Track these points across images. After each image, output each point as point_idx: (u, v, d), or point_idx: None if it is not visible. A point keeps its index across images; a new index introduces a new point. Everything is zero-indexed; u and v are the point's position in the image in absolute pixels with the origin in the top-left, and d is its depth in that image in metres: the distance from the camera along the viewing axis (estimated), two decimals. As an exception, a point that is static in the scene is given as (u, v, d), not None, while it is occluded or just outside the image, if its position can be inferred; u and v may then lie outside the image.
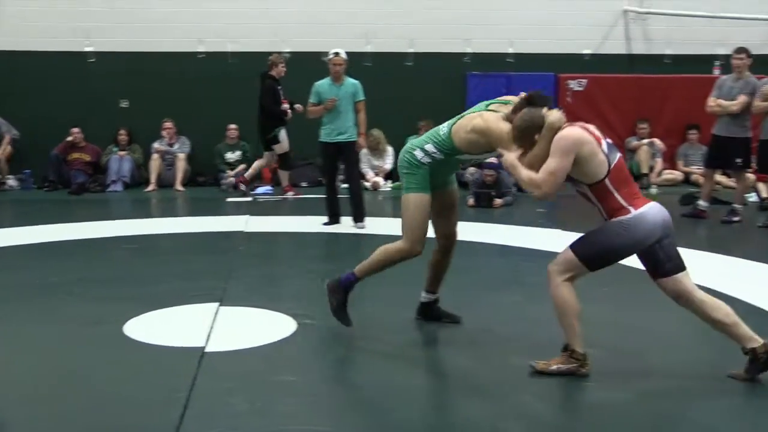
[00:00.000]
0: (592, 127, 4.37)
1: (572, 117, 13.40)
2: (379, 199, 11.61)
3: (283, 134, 11.19)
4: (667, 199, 11.04)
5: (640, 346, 4.94)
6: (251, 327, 5.37)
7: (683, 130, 13.25)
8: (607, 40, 13.68)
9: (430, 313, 5.42)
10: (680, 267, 4.40)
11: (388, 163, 12.63)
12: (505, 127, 4.57)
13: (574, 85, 13.05)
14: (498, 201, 10.54)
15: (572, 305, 4.35)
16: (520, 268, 7.15)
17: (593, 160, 4.22)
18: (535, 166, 4.32)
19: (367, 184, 12.37)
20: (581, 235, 4.44)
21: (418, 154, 4.98)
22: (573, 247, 4.37)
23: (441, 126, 5.02)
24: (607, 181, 4.23)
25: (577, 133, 4.24)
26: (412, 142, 5.12)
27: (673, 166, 13.22)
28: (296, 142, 12.99)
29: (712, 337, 4.57)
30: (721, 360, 4.57)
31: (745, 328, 4.33)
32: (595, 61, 13.24)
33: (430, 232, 5.13)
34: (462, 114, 5.00)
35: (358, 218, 8.89)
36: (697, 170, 12.54)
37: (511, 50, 13.48)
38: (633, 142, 13.01)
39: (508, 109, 4.66)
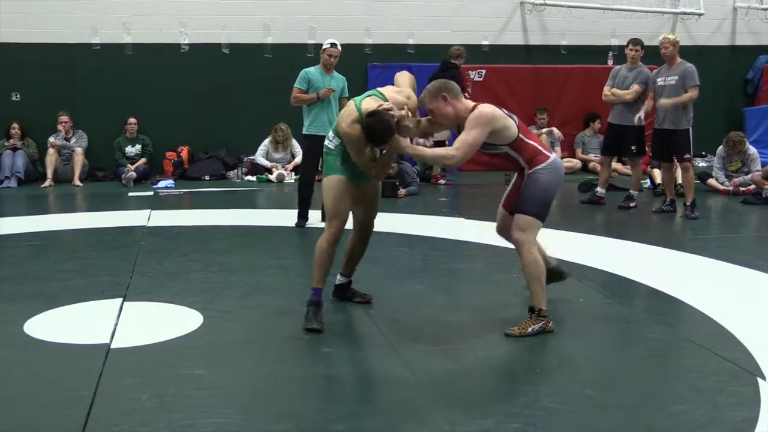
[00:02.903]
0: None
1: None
2: (284, 191, 11.55)
3: None
4: (566, 186, 11.28)
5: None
6: (157, 322, 5.30)
7: (581, 119, 13.59)
8: (504, 31, 13.91)
9: (343, 294, 5.64)
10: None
11: (296, 159, 12.55)
12: (354, 131, 4.89)
13: (474, 75, 13.22)
14: (402, 191, 10.62)
15: (542, 267, 4.95)
16: (426, 257, 7.22)
17: (507, 126, 4.87)
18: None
19: (272, 177, 12.31)
20: (519, 198, 4.97)
21: (326, 140, 5.21)
22: (522, 210, 4.93)
23: None
24: (520, 135, 4.91)
25: (490, 109, 4.86)
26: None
27: (572, 154, 13.55)
28: (197, 136, 12.90)
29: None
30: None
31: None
32: (494, 52, 13.45)
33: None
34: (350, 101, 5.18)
35: None
36: (594, 158, 12.87)
37: (411, 41, 13.59)
38: (533, 131, 13.27)
39: (377, 102, 4.92)
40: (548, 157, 4.95)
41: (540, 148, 4.98)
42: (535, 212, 4.92)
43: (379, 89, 5.19)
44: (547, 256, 5.47)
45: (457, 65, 11.56)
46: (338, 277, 5.67)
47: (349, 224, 5.38)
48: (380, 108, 4.85)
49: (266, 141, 12.71)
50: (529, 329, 4.87)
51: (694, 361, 4.62)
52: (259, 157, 12.72)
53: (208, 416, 3.79)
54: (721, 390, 4.12)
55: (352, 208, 5.33)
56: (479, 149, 4.91)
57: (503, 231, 5.34)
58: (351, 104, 5.07)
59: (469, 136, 4.78)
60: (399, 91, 5.16)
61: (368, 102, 4.98)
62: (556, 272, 5.61)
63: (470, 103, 4.96)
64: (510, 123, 4.88)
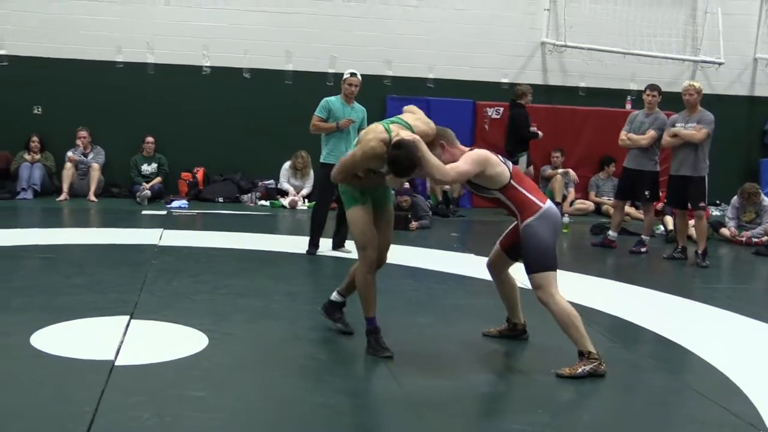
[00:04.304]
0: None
1: (489, 143, 13.61)
2: (296, 218, 11.59)
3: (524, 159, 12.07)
4: (579, 228, 11.34)
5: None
6: (162, 341, 5.31)
7: (596, 161, 13.61)
8: (524, 71, 13.99)
9: (332, 312, 5.63)
10: None
11: (307, 187, 12.64)
12: (379, 149, 4.91)
13: (492, 112, 13.30)
14: (414, 224, 10.64)
15: (574, 314, 4.98)
16: (432, 291, 7.23)
17: (499, 172, 5.01)
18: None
19: (285, 202, 12.37)
20: (523, 259, 5.06)
21: None
22: (530, 270, 5.01)
23: None
24: (512, 181, 5.03)
25: (486, 153, 5.05)
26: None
27: (585, 196, 13.56)
28: (213, 158, 12.99)
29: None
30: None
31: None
32: (513, 91, 13.50)
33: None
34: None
35: (342, 243, 8.65)
36: (607, 201, 12.87)
37: (431, 75, 13.67)
38: (548, 170, 13.33)
39: (405, 131, 4.96)
40: (540, 207, 5.02)
41: (532, 198, 5.06)
42: (543, 266, 4.99)
43: (402, 117, 5.21)
44: (518, 310, 5.64)
45: (522, 104, 12.04)
46: (335, 294, 5.66)
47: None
48: (409, 139, 4.85)
49: (286, 166, 12.78)
50: (579, 370, 4.91)
51: (697, 411, 4.59)
52: (284, 183, 12.78)
53: (207, 439, 3.80)
54: (722, 442, 4.11)
55: None
56: (473, 190, 5.17)
57: (492, 266, 5.55)
58: (378, 125, 5.07)
59: (461, 167, 4.93)
60: (418, 118, 5.18)
61: (396, 130, 4.98)
62: (521, 330, 5.70)
63: (465, 149, 5.13)
64: (502, 170, 5.02)
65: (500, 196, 5.10)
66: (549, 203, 5.11)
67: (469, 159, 4.97)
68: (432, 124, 5.19)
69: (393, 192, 11.05)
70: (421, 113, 5.31)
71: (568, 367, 4.94)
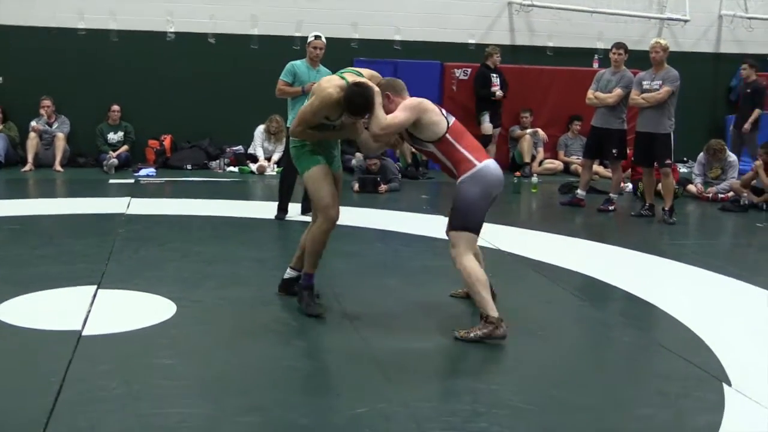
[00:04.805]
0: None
1: (457, 104, 13.49)
2: (265, 183, 11.54)
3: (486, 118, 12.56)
4: (547, 187, 11.39)
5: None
6: (130, 310, 5.30)
7: (565, 121, 13.62)
8: (491, 31, 13.93)
9: (291, 288, 5.57)
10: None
11: (279, 152, 12.49)
12: (335, 95, 4.95)
13: (459, 73, 13.23)
14: (383, 187, 10.62)
15: (479, 276, 4.89)
16: (400, 253, 7.26)
17: (435, 122, 4.95)
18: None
19: (253, 167, 12.28)
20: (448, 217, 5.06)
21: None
22: (450, 227, 5.02)
23: None
24: (447, 135, 4.96)
25: (423, 101, 4.99)
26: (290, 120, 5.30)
27: (554, 156, 13.59)
28: (181, 125, 12.88)
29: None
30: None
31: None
32: (480, 51, 13.43)
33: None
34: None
35: (310, 207, 8.62)
36: (576, 160, 12.92)
37: (398, 37, 13.59)
38: (516, 131, 13.30)
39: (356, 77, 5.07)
40: (474, 165, 4.94)
41: (467, 155, 4.96)
42: (461, 226, 4.94)
43: (355, 69, 5.34)
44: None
45: (489, 66, 12.70)
46: (288, 270, 5.62)
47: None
48: (363, 81, 4.99)
49: (260, 129, 12.65)
50: (472, 334, 4.80)
51: (662, 366, 4.66)
52: (257, 147, 12.64)
53: (175, 406, 3.80)
54: (687, 395, 4.17)
55: None
56: (411, 143, 5.15)
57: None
58: (333, 76, 5.20)
59: (396, 118, 4.90)
60: (365, 70, 5.34)
61: (352, 77, 5.07)
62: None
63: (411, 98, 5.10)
64: (439, 120, 4.96)
65: (434, 150, 5.04)
66: (486, 163, 5.00)
67: (404, 106, 4.94)
68: (376, 74, 5.33)
69: (361, 157, 11.12)
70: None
71: (464, 330, 4.87)
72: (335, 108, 5.01)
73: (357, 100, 4.88)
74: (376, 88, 4.97)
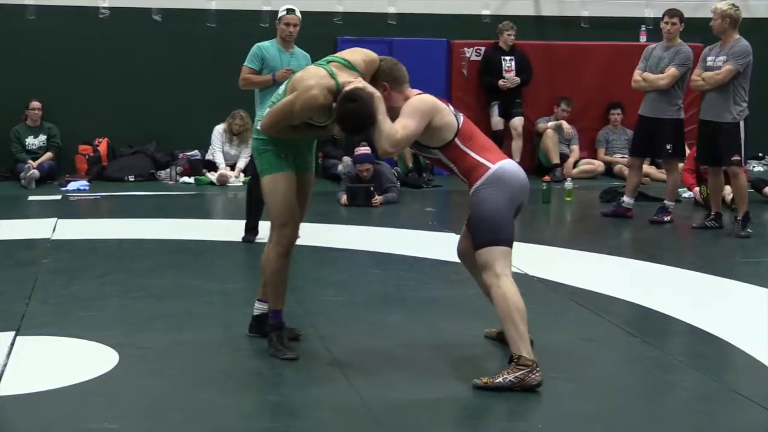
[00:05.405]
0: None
1: (469, 93, 13.53)
2: (229, 197, 11.53)
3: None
4: (585, 194, 11.40)
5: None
6: (58, 362, 5.28)
7: (604, 110, 13.62)
8: (510, 0, 13.97)
9: (264, 328, 5.50)
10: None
11: (244, 157, 12.35)
12: (324, 101, 4.92)
13: (471, 53, 13.26)
14: (378, 198, 10.61)
15: (518, 304, 4.86)
16: (403, 282, 7.25)
17: (448, 123, 4.97)
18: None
19: (212, 177, 12.26)
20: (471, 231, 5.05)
21: (257, 134, 5.35)
22: (477, 245, 4.97)
23: None
24: (457, 140, 5.00)
25: (431, 99, 5.01)
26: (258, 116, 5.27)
27: (593, 155, 13.57)
28: (120, 126, 12.86)
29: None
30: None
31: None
32: (497, 25, 13.48)
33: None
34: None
35: None
36: (621, 159, 12.92)
37: (392, 10, 13.62)
38: (540, 124, 13.19)
39: (353, 76, 4.99)
40: (487, 168, 4.96)
41: (479, 159, 4.99)
42: (492, 239, 4.92)
43: (340, 55, 5.24)
44: None
45: (500, 45, 12.90)
46: (256, 304, 5.63)
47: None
48: (360, 89, 4.88)
49: (219, 129, 12.61)
50: (499, 379, 4.76)
51: (737, 418, 4.64)
52: (216, 152, 12.60)
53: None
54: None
55: None
56: (414, 149, 5.19)
57: (464, 255, 5.46)
58: (318, 68, 5.09)
59: (409, 126, 4.87)
60: (355, 51, 5.25)
61: (344, 76, 4.99)
62: None
63: (412, 92, 5.10)
64: (450, 120, 5.00)
65: (441, 156, 5.07)
66: (501, 163, 5.02)
67: (413, 109, 4.92)
68: (372, 55, 5.21)
69: (350, 161, 11.13)
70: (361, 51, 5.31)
71: (488, 377, 4.81)
72: (322, 112, 4.99)
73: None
74: (377, 93, 4.90)
